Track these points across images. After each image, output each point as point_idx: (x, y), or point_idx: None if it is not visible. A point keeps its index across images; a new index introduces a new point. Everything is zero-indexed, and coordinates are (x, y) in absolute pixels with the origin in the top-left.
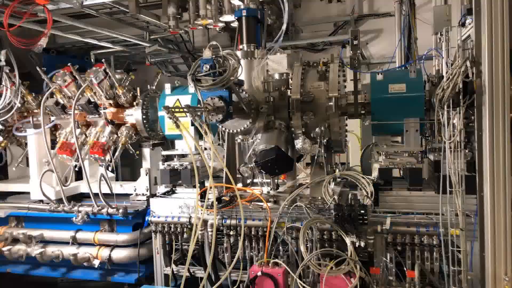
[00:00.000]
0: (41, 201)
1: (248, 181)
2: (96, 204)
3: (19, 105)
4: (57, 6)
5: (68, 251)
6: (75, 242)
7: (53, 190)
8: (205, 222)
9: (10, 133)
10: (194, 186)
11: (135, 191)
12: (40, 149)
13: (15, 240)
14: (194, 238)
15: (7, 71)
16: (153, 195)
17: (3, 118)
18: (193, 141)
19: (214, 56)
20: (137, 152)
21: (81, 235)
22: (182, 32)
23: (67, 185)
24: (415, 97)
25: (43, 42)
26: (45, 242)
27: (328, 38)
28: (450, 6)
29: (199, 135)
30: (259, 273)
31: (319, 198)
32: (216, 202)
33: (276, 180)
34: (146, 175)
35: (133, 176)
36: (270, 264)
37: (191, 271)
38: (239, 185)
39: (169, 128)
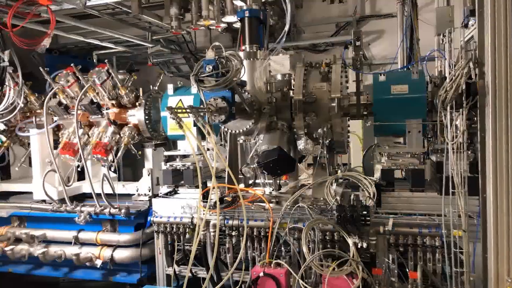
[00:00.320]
0: (44, 201)
1: (250, 181)
2: (99, 204)
3: (22, 105)
4: (60, 7)
5: (70, 251)
6: (77, 242)
7: (56, 190)
8: (207, 222)
9: (13, 133)
10: (196, 187)
11: (137, 191)
12: (43, 149)
13: (18, 240)
14: (196, 238)
15: (10, 71)
16: (155, 195)
17: (6, 118)
18: (196, 141)
19: (217, 57)
20: (139, 152)
21: (83, 235)
22: (184, 32)
23: (69, 185)
24: (417, 98)
25: (46, 42)
26: (48, 242)
27: (330, 39)
28: (453, 7)
29: (201, 136)
30: (261, 274)
31: (321, 199)
32: (219, 203)
33: (278, 181)
34: (149, 175)
35: (135, 176)
36: (272, 265)
37: (193, 271)
38: (241, 185)
39: (171, 129)
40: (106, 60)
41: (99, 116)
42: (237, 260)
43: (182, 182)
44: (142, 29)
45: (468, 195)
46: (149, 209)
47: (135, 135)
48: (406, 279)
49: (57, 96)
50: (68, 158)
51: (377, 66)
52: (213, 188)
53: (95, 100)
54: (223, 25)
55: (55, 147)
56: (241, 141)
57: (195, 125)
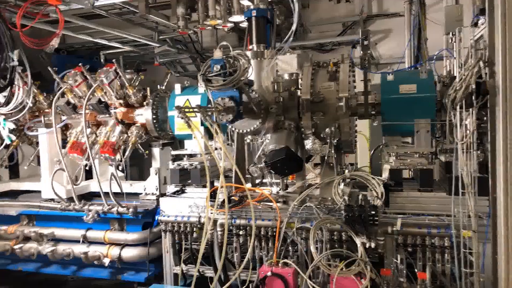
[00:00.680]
0: (52, 199)
1: (257, 181)
2: (106, 203)
3: (31, 104)
4: (68, 7)
5: (78, 249)
6: (85, 240)
7: (64, 189)
8: (214, 221)
9: (22, 132)
10: (204, 186)
11: (144, 190)
12: (51, 148)
13: (27, 238)
14: (204, 238)
15: (19, 71)
16: (162, 195)
17: (15, 118)
18: (204, 140)
19: (224, 56)
20: (147, 151)
21: (92, 234)
22: (191, 32)
23: (77, 184)
24: (426, 98)
25: (55, 42)
26: (56, 240)
27: (337, 39)
28: (462, 6)
29: (209, 135)
30: (269, 273)
31: (329, 198)
32: (227, 202)
33: (285, 180)
34: (156, 174)
35: (141, 175)
36: (279, 264)
37: (200, 270)
38: (248, 185)
39: (178, 128)
40: (114, 60)
41: (107, 115)
42: (245, 260)
43: (189, 181)
44: (149, 29)
45: (478, 196)
46: (156, 208)
47: (143, 134)
48: (414, 280)
49: (65, 96)
50: (76, 157)
51: (384, 66)
52: (221, 187)
53: (103, 100)
54: (229, 24)
55: (63, 146)
56: (248, 141)
57: (202, 124)
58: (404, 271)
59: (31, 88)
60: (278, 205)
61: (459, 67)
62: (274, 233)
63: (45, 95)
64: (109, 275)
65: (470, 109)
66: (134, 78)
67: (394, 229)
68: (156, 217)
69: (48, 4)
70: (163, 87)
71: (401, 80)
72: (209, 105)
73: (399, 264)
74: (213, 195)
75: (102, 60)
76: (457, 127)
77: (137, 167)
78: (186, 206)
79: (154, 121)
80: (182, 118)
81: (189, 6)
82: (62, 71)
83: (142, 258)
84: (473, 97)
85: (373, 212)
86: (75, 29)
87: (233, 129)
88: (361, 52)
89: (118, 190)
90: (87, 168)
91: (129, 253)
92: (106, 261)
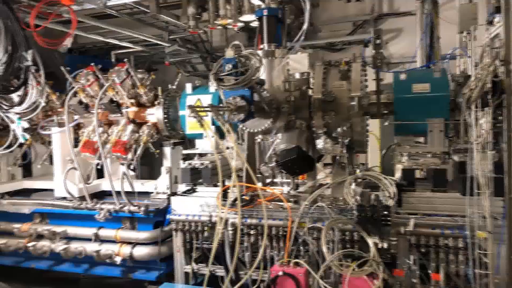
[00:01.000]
0: (65, 198)
1: (268, 180)
2: (118, 202)
3: (44, 104)
4: (81, 7)
5: (91, 247)
6: (97, 239)
7: (76, 187)
8: (225, 221)
9: (35, 132)
10: (215, 185)
11: (155, 189)
12: (63, 147)
13: (40, 236)
14: (216, 237)
15: (33, 70)
16: (173, 194)
17: (29, 117)
18: (217, 140)
19: (236, 55)
20: (157, 151)
21: (103, 232)
22: (201, 32)
23: (89, 182)
24: (439, 97)
25: (68, 42)
26: (69, 238)
27: (347, 38)
28: (476, 4)
29: (220, 134)
30: (280, 273)
31: (341, 198)
32: (240, 201)
33: (295, 180)
34: (167, 173)
35: (152, 174)
36: (291, 264)
37: (211, 269)
38: (259, 184)
39: (190, 127)
40: (125, 60)
41: (119, 114)
42: (257, 260)
43: (200, 180)
44: (159, 28)
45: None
46: (167, 207)
47: (154, 133)
48: (427, 281)
49: (77, 95)
50: (88, 156)
51: (395, 65)
52: (233, 186)
53: (114, 99)
54: (240, 24)
55: (75, 145)
56: (258, 140)
57: (214, 123)
58: (417, 272)
59: (44, 88)
60: (289, 205)
61: (474, 66)
62: (285, 233)
63: (57, 94)
64: (121, 273)
65: (486, 109)
66: (145, 77)
67: (407, 229)
68: (167, 216)
69: (61, 4)
70: (174, 87)
71: (414, 79)
72: (221, 104)
73: (412, 265)
74: (224, 195)
75: (113, 60)
76: (472, 127)
77: (148, 166)
78: (197, 205)
79: (165, 120)
80: (194, 117)
81: (199, 6)
82: (74, 71)
83: (153, 256)
84: (489, 96)
85: (385, 212)
86: (87, 29)
87: (244, 128)
88: (373, 51)
89: (130, 189)
90: (98, 167)
91: (140, 251)
92: (118, 260)
